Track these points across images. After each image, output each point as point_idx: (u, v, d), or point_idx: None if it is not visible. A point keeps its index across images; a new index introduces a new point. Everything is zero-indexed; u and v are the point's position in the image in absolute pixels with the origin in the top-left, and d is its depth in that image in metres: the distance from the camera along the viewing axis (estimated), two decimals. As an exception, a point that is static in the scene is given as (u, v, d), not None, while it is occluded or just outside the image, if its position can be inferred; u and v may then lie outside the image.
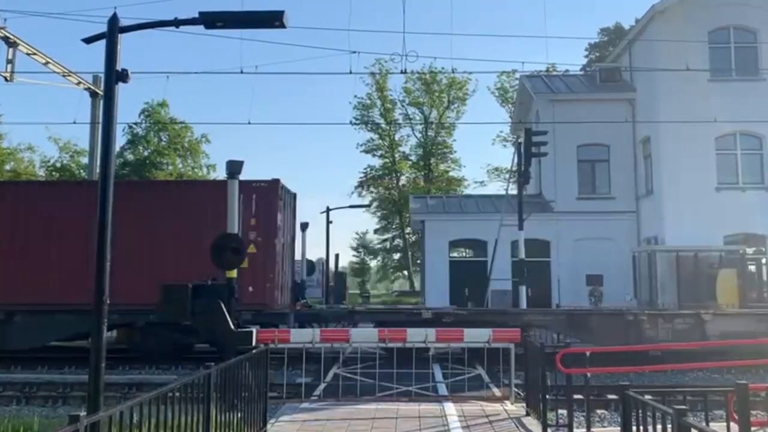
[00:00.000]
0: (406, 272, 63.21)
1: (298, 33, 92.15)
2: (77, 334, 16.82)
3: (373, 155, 58.03)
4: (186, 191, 19.39)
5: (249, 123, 60.28)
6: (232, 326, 12.08)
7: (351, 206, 46.81)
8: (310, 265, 35.88)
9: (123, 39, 6.72)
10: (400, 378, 11.74)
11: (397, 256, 61.88)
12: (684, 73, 23.31)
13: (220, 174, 40.46)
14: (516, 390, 10.52)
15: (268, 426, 8.24)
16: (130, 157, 41.27)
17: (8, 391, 13.58)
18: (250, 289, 16.40)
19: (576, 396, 9.16)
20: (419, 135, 57.19)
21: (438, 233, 29.93)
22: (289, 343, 10.96)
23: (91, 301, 6.39)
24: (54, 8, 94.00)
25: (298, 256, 22.15)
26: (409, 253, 57.95)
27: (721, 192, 25.87)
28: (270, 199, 17.50)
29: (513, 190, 25.41)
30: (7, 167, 36.43)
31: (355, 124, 55.14)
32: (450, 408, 9.72)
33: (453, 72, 47.78)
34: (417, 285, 53.27)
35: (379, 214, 59.91)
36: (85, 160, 36.59)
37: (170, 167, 41.32)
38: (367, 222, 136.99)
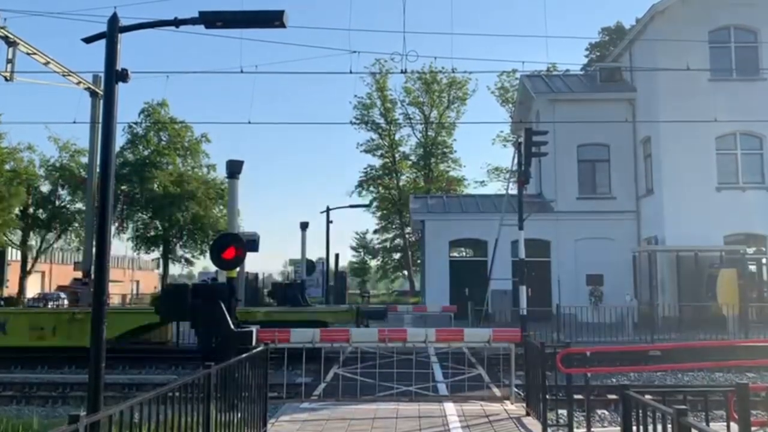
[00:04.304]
0: (406, 272, 63.20)
1: (298, 33, 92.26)
2: None
3: (374, 155, 58.05)
4: None
5: (249, 123, 60.61)
6: (232, 326, 12.06)
7: (351, 206, 46.81)
8: (310, 265, 35.95)
9: (123, 38, 6.71)
10: (400, 378, 11.73)
11: (397, 255, 61.86)
12: (684, 73, 23.30)
13: (220, 173, 40.45)
14: (516, 390, 10.51)
15: (268, 426, 8.23)
16: (130, 156, 41.26)
17: (8, 391, 13.58)
18: None
19: (576, 396, 9.15)
20: (419, 135, 57.18)
21: (438, 233, 29.93)
22: (289, 342, 10.93)
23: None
24: (54, 8, 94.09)
25: (298, 256, 22.12)
26: (409, 252, 57.92)
27: (722, 192, 25.86)
28: None
29: (513, 190, 25.38)
30: (7, 167, 36.38)
31: (355, 123, 55.21)
32: (450, 408, 9.70)
33: (453, 72, 47.74)
34: (417, 285, 53.24)
35: (379, 213, 59.90)
36: (84, 159, 36.56)
37: (170, 167, 41.30)
38: (368, 222, 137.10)
